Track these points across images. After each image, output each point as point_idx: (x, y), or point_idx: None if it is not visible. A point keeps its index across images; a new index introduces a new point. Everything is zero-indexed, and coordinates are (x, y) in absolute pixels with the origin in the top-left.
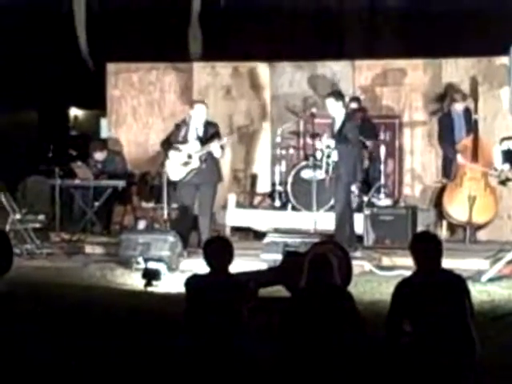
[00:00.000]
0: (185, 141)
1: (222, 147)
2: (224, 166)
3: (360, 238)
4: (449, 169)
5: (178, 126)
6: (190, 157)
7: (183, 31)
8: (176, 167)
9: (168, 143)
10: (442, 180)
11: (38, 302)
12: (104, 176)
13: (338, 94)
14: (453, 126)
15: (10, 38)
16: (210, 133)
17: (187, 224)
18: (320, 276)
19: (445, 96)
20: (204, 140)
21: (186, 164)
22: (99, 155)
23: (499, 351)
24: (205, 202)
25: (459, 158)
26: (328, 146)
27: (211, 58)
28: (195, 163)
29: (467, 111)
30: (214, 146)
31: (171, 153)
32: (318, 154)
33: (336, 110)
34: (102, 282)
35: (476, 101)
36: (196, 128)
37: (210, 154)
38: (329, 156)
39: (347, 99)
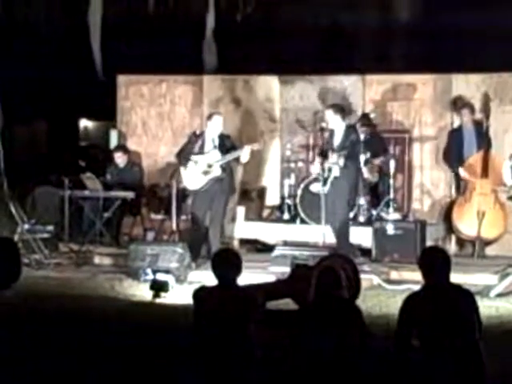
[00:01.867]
0: (201, 152)
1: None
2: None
3: (368, 252)
4: (461, 184)
5: (194, 137)
6: (210, 166)
7: (195, 44)
8: (195, 176)
9: (184, 154)
10: (457, 197)
11: (46, 313)
12: (117, 186)
13: (337, 107)
14: (462, 141)
15: (19, 50)
16: (226, 144)
17: (199, 235)
18: (328, 289)
19: (454, 109)
20: (222, 148)
21: (206, 173)
22: (120, 160)
23: (507, 366)
24: (218, 212)
25: (461, 172)
26: (338, 164)
27: (222, 70)
28: (216, 172)
29: (479, 126)
30: (243, 152)
31: (189, 163)
32: (318, 169)
33: (335, 123)
34: (111, 293)
35: (488, 117)
36: (212, 139)
37: (228, 163)
38: (330, 170)
39: (358, 113)
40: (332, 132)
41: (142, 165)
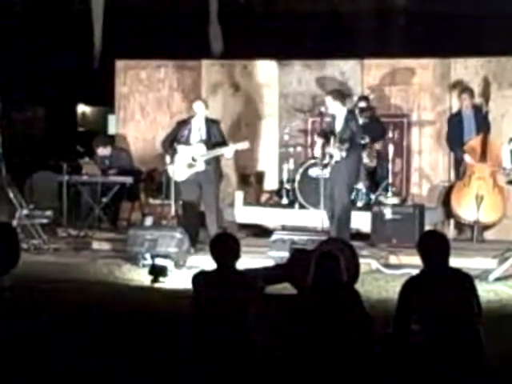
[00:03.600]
0: (187, 141)
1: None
2: (231, 163)
3: (367, 237)
4: (460, 169)
5: (179, 125)
6: (194, 159)
7: (193, 29)
8: (180, 168)
9: (169, 143)
10: (455, 181)
11: (45, 298)
12: (112, 172)
13: (336, 93)
14: (462, 126)
15: (18, 35)
16: (213, 131)
17: (193, 220)
18: (327, 274)
19: (453, 94)
20: (208, 142)
21: (190, 166)
22: (102, 151)
23: (506, 350)
24: (209, 199)
25: (467, 158)
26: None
27: (220, 55)
28: (200, 166)
29: (478, 110)
30: (227, 151)
31: (174, 153)
32: (318, 153)
33: (335, 109)
34: (109, 278)
35: (487, 101)
36: (199, 128)
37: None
38: (331, 156)
39: (355, 98)
40: (334, 116)
41: (131, 150)
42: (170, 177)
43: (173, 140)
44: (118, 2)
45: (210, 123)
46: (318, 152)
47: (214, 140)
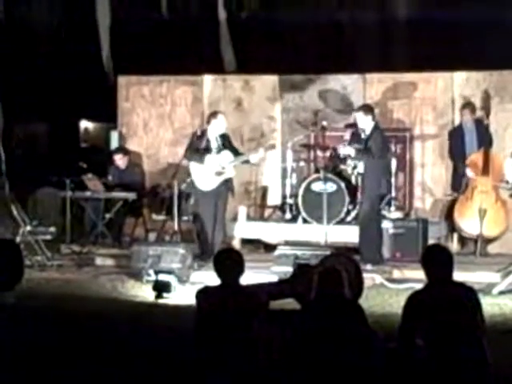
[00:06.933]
0: (207, 151)
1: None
2: (235, 178)
3: None
4: (458, 182)
5: (197, 136)
6: (223, 167)
7: (195, 44)
8: (208, 177)
9: (192, 152)
10: (452, 194)
11: (48, 314)
12: (119, 187)
13: (366, 107)
14: (463, 140)
15: (22, 51)
16: (228, 143)
17: (210, 234)
18: (330, 289)
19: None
20: (225, 150)
21: (219, 174)
22: (120, 162)
23: (510, 364)
24: (221, 212)
25: (468, 172)
26: (350, 156)
27: (222, 70)
28: (230, 173)
29: (480, 124)
30: (254, 156)
31: (203, 160)
32: (342, 165)
33: (365, 124)
34: (113, 294)
35: (488, 114)
36: (216, 139)
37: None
38: (355, 167)
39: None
40: (363, 130)
41: (143, 166)
42: (173, 192)
43: (196, 149)
44: (120, 17)
45: (225, 136)
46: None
47: (231, 150)
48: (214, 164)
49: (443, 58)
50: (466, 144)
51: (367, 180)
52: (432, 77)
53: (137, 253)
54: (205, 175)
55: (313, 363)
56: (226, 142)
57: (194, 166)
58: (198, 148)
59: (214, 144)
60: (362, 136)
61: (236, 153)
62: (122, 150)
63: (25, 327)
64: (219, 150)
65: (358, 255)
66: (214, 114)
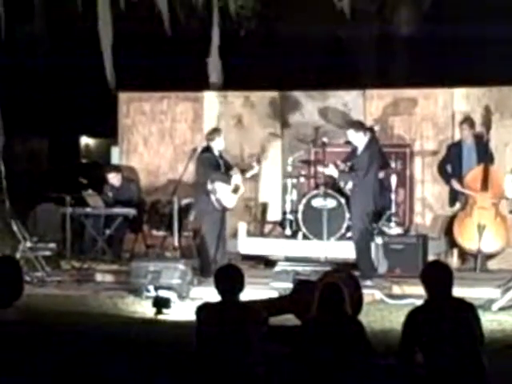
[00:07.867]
0: (218, 168)
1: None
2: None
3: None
4: (453, 198)
5: (208, 156)
6: (237, 185)
7: (196, 60)
8: (227, 195)
9: (214, 171)
10: (452, 209)
11: (48, 331)
12: (117, 204)
13: (357, 125)
14: (461, 156)
15: (23, 68)
16: (227, 160)
17: (212, 251)
18: (330, 305)
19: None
20: (232, 167)
21: (235, 191)
22: (115, 180)
23: (510, 380)
24: (224, 229)
25: (454, 185)
26: (333, 177)
27: (223, 86)
28: (242, 189)
29: (479, 140)
30: (250, 174)
31: (226, 184)
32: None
33: (357, 140)
34: (113, 310)
35: (488, 130)
36: (220, 156)
37: None
38: (346, 183)
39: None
40: (356, 148)
41: (139, 180)
42: (173, 208)
43: (215, 168)
44: (121, 33)
45: (222, 153)
46: (331, 171)
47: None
48: (231, 182)
49: (443, 74)
50: (463, 160)
51: (354, 199)
52: (432, 93)
53: (136, 269)
54: (223, 193)
55: (312, 380)
56: (224, 159)
57: (219, 186)
58: (215, 167)
59: (220, 161)
60: (358, 152)
61: (231, 168)
62: (114, 168)
63: (25, 344)
64: (227, 168)
65: (358, 271)
66: (217, 131)
